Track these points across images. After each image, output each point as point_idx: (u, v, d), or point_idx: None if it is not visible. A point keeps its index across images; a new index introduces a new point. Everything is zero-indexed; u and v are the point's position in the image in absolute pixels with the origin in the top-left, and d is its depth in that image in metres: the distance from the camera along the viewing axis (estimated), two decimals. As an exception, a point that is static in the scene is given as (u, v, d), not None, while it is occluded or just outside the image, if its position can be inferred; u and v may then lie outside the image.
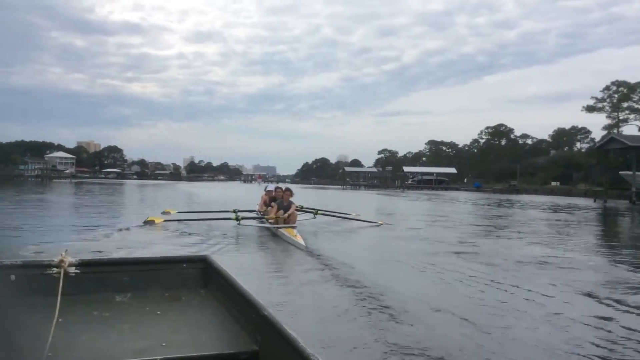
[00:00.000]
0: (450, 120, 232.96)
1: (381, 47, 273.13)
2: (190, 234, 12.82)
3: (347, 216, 17.26)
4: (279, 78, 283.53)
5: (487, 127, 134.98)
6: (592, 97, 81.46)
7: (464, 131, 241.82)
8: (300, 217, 14.88)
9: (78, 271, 2.34)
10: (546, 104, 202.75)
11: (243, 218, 14.14)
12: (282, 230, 12.63)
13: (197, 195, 42.13)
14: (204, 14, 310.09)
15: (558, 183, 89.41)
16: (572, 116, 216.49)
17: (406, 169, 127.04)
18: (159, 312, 2.23)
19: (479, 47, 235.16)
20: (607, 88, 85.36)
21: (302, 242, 11.19)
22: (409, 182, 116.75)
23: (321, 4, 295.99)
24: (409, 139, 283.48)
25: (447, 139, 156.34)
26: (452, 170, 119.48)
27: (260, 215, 15.06)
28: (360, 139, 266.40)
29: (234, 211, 15.26)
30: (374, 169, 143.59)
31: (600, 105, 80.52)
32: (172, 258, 2.78)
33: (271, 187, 17.17)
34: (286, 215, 13.42)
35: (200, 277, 2.62)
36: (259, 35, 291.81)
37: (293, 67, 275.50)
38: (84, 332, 1.94)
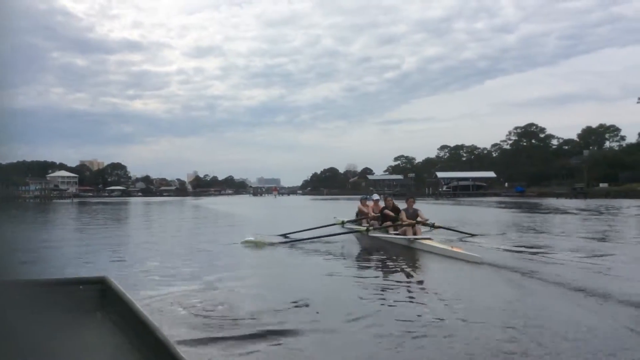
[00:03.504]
0: (454, 125, 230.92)
1: (382, 56, 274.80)
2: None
3: (468, 232, 14.65)
4: (280, 90, 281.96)
5: (516, 128, 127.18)
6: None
7: (469, 136, 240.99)
8: None
9: None
10: (551, 106, 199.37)
11: (374, 228, 13.85)
12: (426, 242, 11.39)
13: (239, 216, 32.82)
14: (204, 28, 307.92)
15: (607, 184, 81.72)
16: (582, 116, 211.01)
17: (440, 174, 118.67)
18: (50, 338, 2.05)
19: (479, 52, 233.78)
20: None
21: (472, 253, 9.66)
22: (444, 188, 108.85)
23: (320, 15, 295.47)
24: (413, 146, 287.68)
25: (453, 144, 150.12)
26: (491, 174, 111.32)
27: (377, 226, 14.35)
28: (365, 148, 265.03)
29: (342, 222, 16.31)
30: (399, 176, 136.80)
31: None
32: (67, 279, 2.55)
33: (376, 196, 16.81)
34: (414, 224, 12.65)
35: (97, 300, 2.42)
36: (259, 48, 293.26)
37: (294, 79, 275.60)
38: None
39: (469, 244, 12.13)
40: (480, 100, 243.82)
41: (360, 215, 16.23)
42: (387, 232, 13.40)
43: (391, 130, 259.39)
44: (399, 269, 9.01)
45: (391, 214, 14.21)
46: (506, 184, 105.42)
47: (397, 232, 12.97)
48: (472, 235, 14.25)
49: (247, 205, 54.02)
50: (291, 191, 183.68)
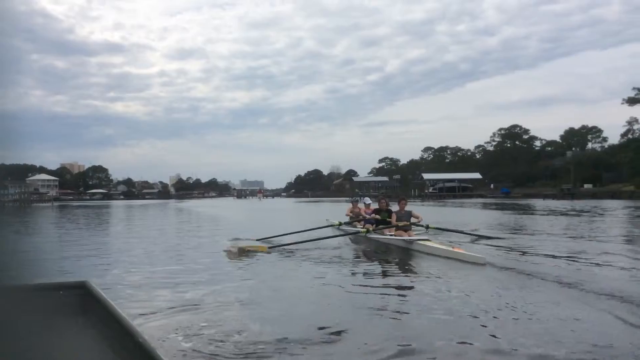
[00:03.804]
0: (436, 127, 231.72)
1: (364, 58, 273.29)
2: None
3: (464, 231, 14.49)
4: (262, 92, 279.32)
5: (501, 129, 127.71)
6: (634, 88, 74.86)
7: (452, 138, 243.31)
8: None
9: None
10: (532, 108, 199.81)
11: (372, 230, 13.27)
12: (426, 243, 10.90)
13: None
14: (185, 30, 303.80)
15: (591, 185, 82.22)
16: (563, 118, 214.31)
17: (426, 175, 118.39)
18: (30, 343, 2.07)
19: (461, 54, 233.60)
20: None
21: (474, 254, 9.40)
22: (430, 190, 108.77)
23: (302, 17, 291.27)
24: (396, 148, 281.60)
25: (437, 146, 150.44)
26: (476, 175, 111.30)
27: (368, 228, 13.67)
28: (349, 150, 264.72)
29: (339, 224, 15.83)
30: (385, 178, 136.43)
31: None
32: (48, 284, 2.56)
33: (367, 200, 16.64)
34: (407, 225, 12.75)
35: (78, 304, 2.45)
36: (242, 50, 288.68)
37: (277, 81, 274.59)
38: None
39: (468, 245, 11.76)
40: (462, 102, 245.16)
41: (353, 218, 16.01)
42: (382, 234, 13.04)
43: (374, 132, 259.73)
44: (413, 275, 8.45)
45: (378, 217, 14.04)
46: (492, 185, 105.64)
47: (392, 234, 12.64)
48: (475, 235, 13.87)
49: (233, 209, 52.97)
50: (275, 193, 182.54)
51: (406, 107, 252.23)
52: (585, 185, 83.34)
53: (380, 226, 13.49)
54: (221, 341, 4.48)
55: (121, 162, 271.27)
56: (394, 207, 13.92)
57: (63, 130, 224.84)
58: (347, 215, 16.47)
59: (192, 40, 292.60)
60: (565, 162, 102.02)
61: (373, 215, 14.48)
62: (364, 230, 13.32)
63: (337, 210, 35.01)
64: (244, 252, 10.97)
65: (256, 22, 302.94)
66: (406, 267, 9.39)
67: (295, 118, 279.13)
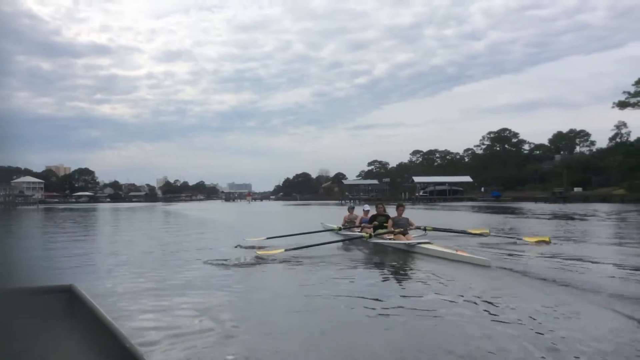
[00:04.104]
0: (424, 131, 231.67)
1: (352, 62, 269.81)
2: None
3: (464, 231, 14.83)
4: (250, 95, 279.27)
5: (490, 132, 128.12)
6: (624, 92, 75.01)
7: (440, 141, 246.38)
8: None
9: None
10: (518, 112, 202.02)
11: (376, 234, 13.18)
12: (429, 246, 11.06)
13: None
14: (173, 33, 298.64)
15: (581, 189, 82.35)
16: (548, 122, 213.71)
17: (417, 178, 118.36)
18: (16, 347, 2.06)
19: (448, 58, 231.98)
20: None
21: (479, 256, 9.49)
22: (420, 193, 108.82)
23: (291, 20, 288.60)
24: (384, 151, 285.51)
25: (425, 149, 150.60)
26: (467, 178, 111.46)
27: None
28: (337, 153, 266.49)
29: (339, 228, 15.74)
30: (374, 181, 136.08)
31: (634, 100, 73.47)
32: (34, 288, 2.54)
33: (367, 207, 16.49)
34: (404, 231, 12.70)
35: (64, 308, 2.42)
36: (230, 53, 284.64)
37: (265, 84, 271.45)
38: None
39: (469, 248, 11.59)
40: (449, 106, 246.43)
41: (350, 223, 15.83)
42: (383, 239, 13.03)
43: (362, 136, 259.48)
44: (426, 282, 7.92)
45: (376, 222, 13.99)
46: (482, 189, 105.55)
47: (391, 237, 12.74)
48: (475, 234, 14.34)
49: (222, 211, 52.52)
50: (264, 196, 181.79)
51: (394, 110, 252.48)
52: (575, 189, 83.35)
53: (378, 231, 13.36)
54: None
55: (108, 165, 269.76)
56: (392, 213, 13.90)
57: (49, 132, 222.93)
58: (343, 225, 16.07)
59: (179, 42, 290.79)
60: (554, 165, 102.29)
61: (369, 224, 14.38)
62: (367, 235, 13.09)
63: (327, 213, 34.58)
64: (260, 256, 10.92)
65: (244, 25, 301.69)
66: (415, 273, 9.10)
67: (283, 121, 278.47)
